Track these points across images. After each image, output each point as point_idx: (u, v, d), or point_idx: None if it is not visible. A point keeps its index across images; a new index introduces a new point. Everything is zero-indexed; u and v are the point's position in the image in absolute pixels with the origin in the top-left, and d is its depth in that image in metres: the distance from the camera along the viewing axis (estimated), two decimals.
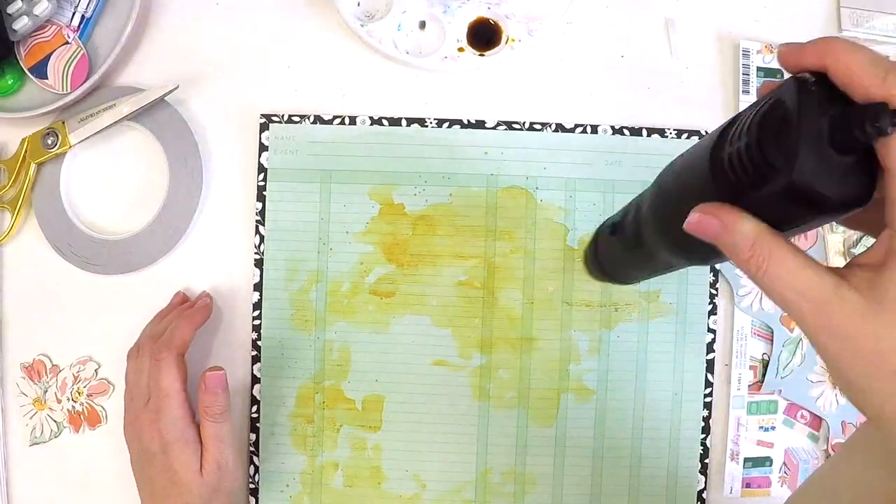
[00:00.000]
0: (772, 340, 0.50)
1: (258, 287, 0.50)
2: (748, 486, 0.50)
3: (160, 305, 0.50)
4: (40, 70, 0.49)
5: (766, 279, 0.25)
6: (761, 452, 0.50)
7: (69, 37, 0.49)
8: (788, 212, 0.25)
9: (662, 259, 0.33)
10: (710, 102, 0.51)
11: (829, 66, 0.24)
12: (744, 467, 0.50)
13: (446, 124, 0.50)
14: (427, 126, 0.50)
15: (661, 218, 0.31)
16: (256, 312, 0.50)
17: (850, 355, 0.23)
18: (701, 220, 0.26)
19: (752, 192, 0.25)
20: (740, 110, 0.29)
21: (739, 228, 0.25)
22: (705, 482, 0.50)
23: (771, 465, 0.50)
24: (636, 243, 0.35)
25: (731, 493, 0.50)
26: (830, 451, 0.49)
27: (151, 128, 0.50)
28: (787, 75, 0.26)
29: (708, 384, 0.50)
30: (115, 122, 0.48)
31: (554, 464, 0.50)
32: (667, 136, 0.50)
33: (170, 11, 0.51)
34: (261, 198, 0.50)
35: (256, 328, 0.50)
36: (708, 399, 0.50)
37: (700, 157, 0.27)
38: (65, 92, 0.49)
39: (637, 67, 0.51)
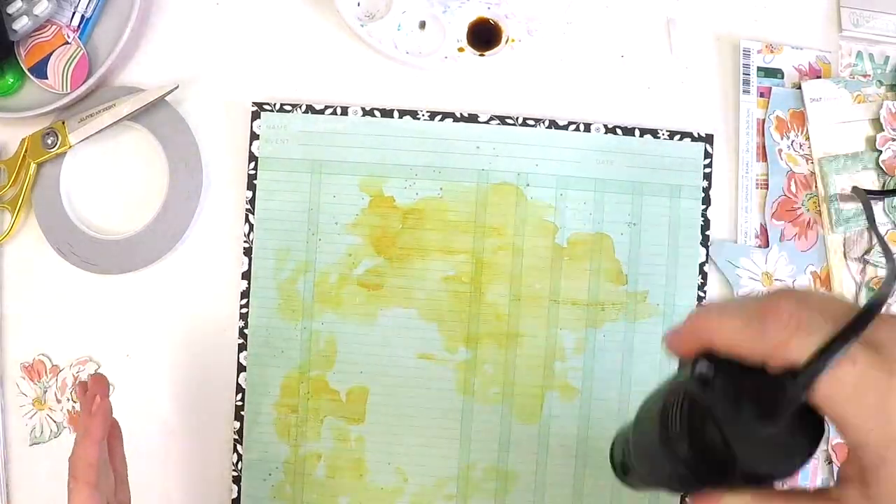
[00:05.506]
0: None
1: (246, 276, 0.50)
2: None
3: (160, 305, 0.50)
4: (40, 70, 0.49)
5: None
6: None
7: (69, 37, 0.49)
8: (760, 485, 0.25)
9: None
10: (710, 102, 0.51)
11: (712, 345, 0.25)
12: None
13: (438, 117, 0.50)
14: (419, 119, 0.50)
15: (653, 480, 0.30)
16: (244, 301, 0.50)
17: None
18: None
19: (718, 481, 0.25)
20: (666, 388, 0.28)
21: None
22: None
23: None
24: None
25: None
26: (830, 450, 0.49)
27: (151, 128, 0.50)
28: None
29: None
30: (115, 122, 0.48)
31: (537, 461, 0.49)
32: (659, 137, 0.50)
33: (170, 11, 0.51)
34: (251, 186, 0.50)
35: (244, 316, 0.50)
36: None
37: (659, 450, 0.27)
38: (65, 92, 0.49)
39: (637, 67, 0.51)
